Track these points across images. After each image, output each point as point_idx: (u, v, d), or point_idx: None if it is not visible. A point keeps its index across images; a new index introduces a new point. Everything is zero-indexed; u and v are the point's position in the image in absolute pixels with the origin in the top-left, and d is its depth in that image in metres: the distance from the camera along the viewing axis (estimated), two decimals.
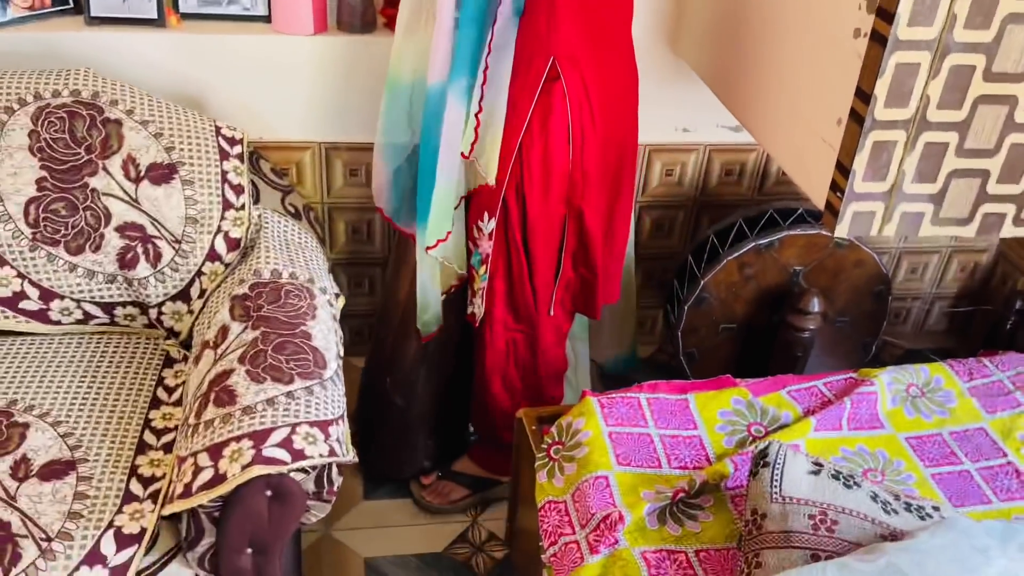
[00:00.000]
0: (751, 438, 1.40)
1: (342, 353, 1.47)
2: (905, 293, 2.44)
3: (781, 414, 1.44)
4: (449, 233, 1.60)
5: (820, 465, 1.20)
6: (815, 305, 1.84)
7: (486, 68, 1.50)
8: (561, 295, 1.67)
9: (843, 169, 1.30)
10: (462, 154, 1.56)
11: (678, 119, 2.06)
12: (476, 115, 1.53)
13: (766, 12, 1.54)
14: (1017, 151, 1.28)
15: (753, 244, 1.86)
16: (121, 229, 1.51)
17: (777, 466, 1.18)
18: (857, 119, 1.25)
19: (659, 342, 2.38)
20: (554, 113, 1.49)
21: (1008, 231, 1.36)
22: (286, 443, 1.20)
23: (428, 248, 1.59)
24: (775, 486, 1.16)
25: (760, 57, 1.57)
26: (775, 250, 1.88)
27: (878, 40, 1.19)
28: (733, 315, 1.97)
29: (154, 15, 1.75)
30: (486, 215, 1.59)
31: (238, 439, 1.20)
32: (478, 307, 1.67)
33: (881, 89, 1.21)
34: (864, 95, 1.23)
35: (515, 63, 1.49)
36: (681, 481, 1.29)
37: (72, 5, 1.76)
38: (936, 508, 1.21)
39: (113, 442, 1.37)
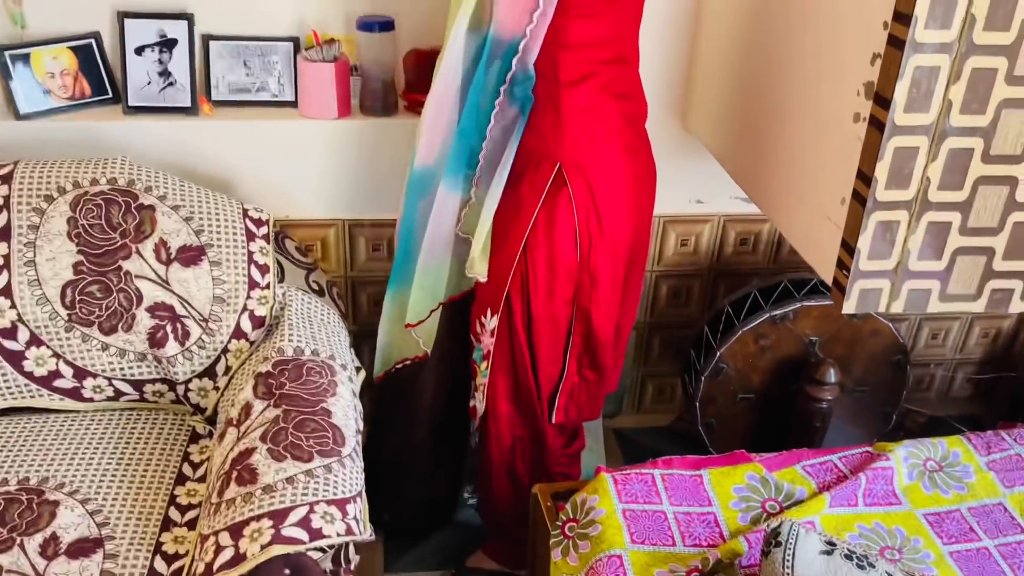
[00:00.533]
0: (766, 515, 1.40)
1: (361, 427, 1.51)
2: (928, 359, 2.43)
3: (796, 490, 1.45)
4: (432, 312, 1.64)
5: (833, 544, 1.20)
6: (831, 376, 1.84)
7: (480, 162, 1.56)
8: (565, 402, 1.68)
9: (848, 248, 1.33)
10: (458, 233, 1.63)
11: (691, 191, 2.11)
12: (467, 203, 1.58)
13: (772, 92, 1.59)
14: (1021, 229, 1.30)
15: (768, 315, 1.88)
16: (152, 309, 1.57)
17: (789, 546, 1.19)
18: (860, 199, 1.29)
19: (678, 411, 2.38)
20: (559, 218, 1.52)
21: (1016, 307, 1.37)
22: (304, 522, 1.23)
23: (408, 325, 1.65)
24: (787, 566, 1.16)
25: (767, 135, 1.62)
26: (790, 321, 1.90)
27: (876, 125, 1.23)
28: (751, 385, 1.98)
29: (188, 104, 1.85)
30: (488, 311, 1.62)
31: (258, 518, 1.23)
32: (479, 402, 1.69)
33: (881, 172, 1.24)
34: (865, 177, 1.27)
35: (522, 161, 1.53)
36: (695, 560, 1.29)
37: (111, 95, 1.86)
38: None
39: (139, 519, 1.41)
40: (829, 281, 1.40)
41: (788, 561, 1.17)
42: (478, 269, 1.56)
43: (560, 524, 1.41)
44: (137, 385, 1.63)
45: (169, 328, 1.58)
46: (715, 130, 1.88)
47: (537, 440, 1.72)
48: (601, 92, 1.51)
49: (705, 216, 2.14)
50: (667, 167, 1.97)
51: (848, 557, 1.18)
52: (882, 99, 1.21)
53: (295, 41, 1.87)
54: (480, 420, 1.72)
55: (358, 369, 1.69)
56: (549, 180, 1.51)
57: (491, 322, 1.62)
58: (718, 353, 1.90)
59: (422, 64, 1.89)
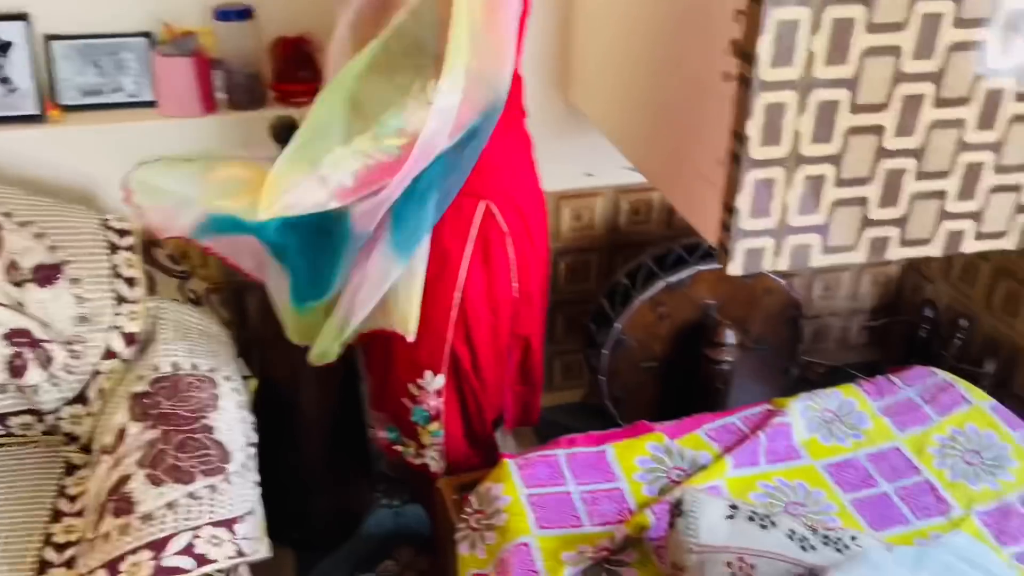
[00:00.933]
0: (672, 484, 1.39)
1: (253, 440, 1.43)
2: (823, 311, 2.48)
3: (699, 455, 1.44)
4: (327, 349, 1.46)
5: (736, 508, 1.19)
6: (729, 337, 1.85)
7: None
8: (522, 419, 1.66)
9: (729, 208, 1.32)
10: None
11: (581, 164, 2.08)
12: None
13: (645, 57, 1.57)
14: (892, 176, 1.32)
15: (663, 283, 1.87)
16: (7, 337, 1.45)
17: (692, 515, 1.17)
18: (735, 159, 1.28)
19: (588, 386, 2.37)
20: (495, 257, 1.43)
21: (894, 253, 1.39)
22: (188, 549, 1.15)
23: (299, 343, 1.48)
24: (691, 536, 1.15)
25: (644, 101, 1.60)
26: (685, 287, 1.90)
27: (744, 83, 1.22)
28: (653, 354, 1.97)
29: (34, 111, 1.71)
30: (428, 374, 1.50)
31: (136, 551, 1.14)
32: (433, 459, 1.59)
33: (753, 129, 1.23)
34: (739, 136, 1.26)
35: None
36: (603, 539, 1.27)
37: None
38: (854, 537, 1.21)
39: (11, 566, 1.30)
40: (715, 243, 1.39)
41: (692, 530, 1.16)
42: (412, 328, 1.39)
43: (466, 517, 1.37)
44: (0, 419, 1.51)
45: (29, 355, 1.46)
46: (596, 100, 1.85)
47: (487, 460, 1.67)
48: (509, 111, 1.42)
49: (596, 189, 2.12)
50: (554, 142, 1.95)
51: (751, 519, 1.18)
52: (747, 56, 1.20)
53: (148, 36, 1.75)
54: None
55: (247, 378, 1.60)
56: (474, 221, 1.40)
57: (435, 382, 1.50)
58: (617, 326, 1.89)
59: (290, 52, 1.80)
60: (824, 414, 1.55)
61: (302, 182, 1.27)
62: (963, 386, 1.58)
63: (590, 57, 1.85)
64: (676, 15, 1.43)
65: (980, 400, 1.54)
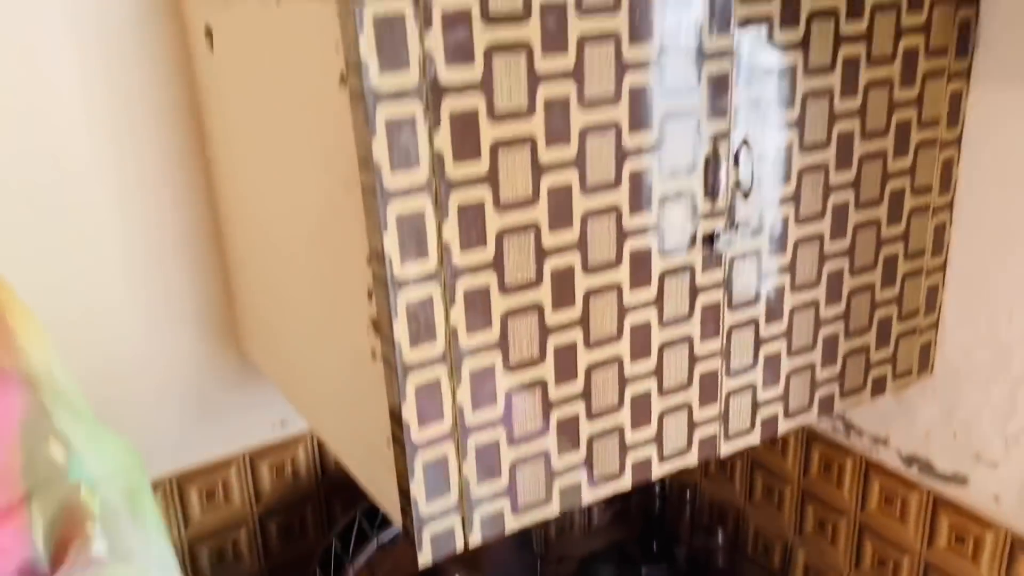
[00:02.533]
0: None
1: None
2: None
3: None
4: None
5: None
6: None
7: None
8: None
9: (405, 494, 1.18)
10: None
11: (271, 413, 1.88)
12: None
13: (300, 313, 1.42)
14: (565, 427, 1.26)
15: (376, 543, 1.68)
16: None
17: None
18: (399, 443, 1.15)
19: None
20: None
21: (589, 496, 1.33)
22: None
23: None
24: None
25: (309, 363, 1.45)
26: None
27: (388, 365, 1.11)
28: None
29: None
30: None
31: None
32: None
33: (409, 413, 1.12)
34: (397, 419, 1.13)
35: None
36: None
37: None
38: None
39: None
40: (399, 527, 1.24)
41: None
42: None
43: None
44: None
45: None
46: (267, 353, 1.67)
47: None
48: None
49: (295, 436, 1.92)
50: (234, 396, 1.77)
51: None
52: (383, 331, 1.10)
53: None
54: None
55: None
56: None
57: None
58: None
59: None
60: None
61: None
62: None
63: (254, 307, 1.69)
64: (316, 284, 1.31)
65: None
